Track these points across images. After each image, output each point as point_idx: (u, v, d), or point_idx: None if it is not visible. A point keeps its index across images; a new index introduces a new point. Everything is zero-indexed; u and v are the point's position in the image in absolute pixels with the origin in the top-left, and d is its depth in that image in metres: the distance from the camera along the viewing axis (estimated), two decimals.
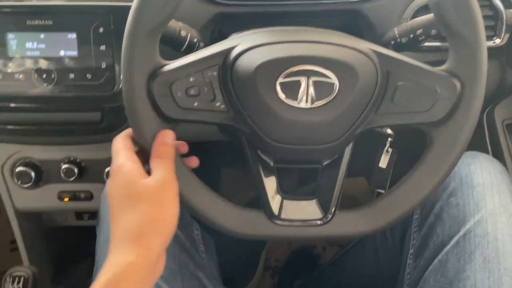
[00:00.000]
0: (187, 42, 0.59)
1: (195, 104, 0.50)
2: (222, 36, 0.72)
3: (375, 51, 0.50)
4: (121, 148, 0.49)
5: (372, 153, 0.70)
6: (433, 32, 0.57)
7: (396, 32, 0.60)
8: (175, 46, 0.59)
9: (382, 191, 0.70)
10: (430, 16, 0.57)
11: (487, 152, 0.80)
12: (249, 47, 0.49)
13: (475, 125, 0.52)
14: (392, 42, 0.61)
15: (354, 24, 0.70)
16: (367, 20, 0.68)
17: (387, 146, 0.67)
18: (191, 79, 0.49)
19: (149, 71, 0.48)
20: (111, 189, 0.46)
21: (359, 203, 0.55)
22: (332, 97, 0.48)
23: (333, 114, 0.48)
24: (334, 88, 0.48)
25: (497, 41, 0.71)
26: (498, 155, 0.78)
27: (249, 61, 0.48)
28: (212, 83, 0.50)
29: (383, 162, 0.70)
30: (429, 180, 0.52)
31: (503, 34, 0.71)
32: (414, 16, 0.69)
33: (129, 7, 0.64)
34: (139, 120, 0.49)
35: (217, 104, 0.50)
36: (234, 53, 0.49)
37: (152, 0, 0.47)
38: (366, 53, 0.49)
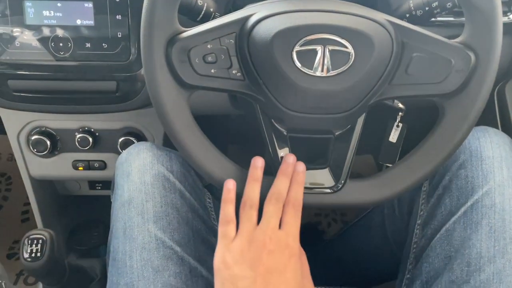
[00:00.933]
0: (203, 11, 0.59)
1: (212, 71, 0.50)
2: (236, 8, 0.72)
3: (391, 22, 0.50)
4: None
5: (380, 129, 0.71)
6: (449, 4, 0.58)
7: (412, 5, 0.60)
8: (191, 15, 0.59)
9: (391, 165, 0.72)
10: None
11: (496, 128, 0.81)
12: (267, 15, 0.50)
13: (487, 99, 0.52)
14: (407, 15, 0.61)
15: None
16: None
17: (397, 121, 0.68)
18: (208, 46, 0.50)
19: (168, 36, 0.49)
20: (285, 271, 0.49)
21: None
22: (348, 66, 0.48)
23: (348, 83, 0.49)
24: (350, 57, 0.48)
25: (511, 17, 0.71)
26: (507, 130, 0.79)
27: (266, 29, 0.49)
28: (229, 51, 0.50)
29: (393, 137, 0.70)
30: (439, 152, 0.53)
31: None
32: None
33: None
34: (157, 85, 0.50)
35: (234, 71, 0.51)
36: (252, 21, 0.50)
37: None
38: (383, 23, 0.50)
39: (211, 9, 0.60)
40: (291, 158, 0.53)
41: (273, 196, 0.51)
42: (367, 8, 0.53)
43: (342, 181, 0.54)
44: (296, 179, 0.53)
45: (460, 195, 0.57)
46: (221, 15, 0.62)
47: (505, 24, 0.64)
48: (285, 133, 0.55)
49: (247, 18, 0.50)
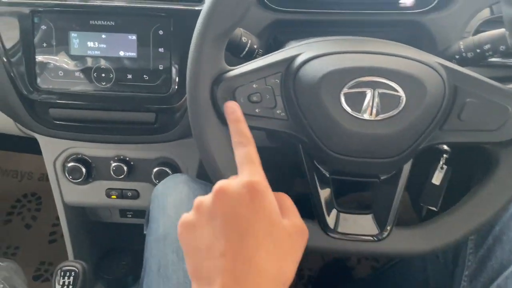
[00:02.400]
0: (247, 48, 0.59)
1: (257, 110, 0.50)
2: (277, 43, 0.72)
3: (443, 65, 0.49)
4: (252, 153, 0.42)
5: (420, 167, 0.68)
6: (502, 48, 0.56)
7: (462, 46, 0.58)
8: (234, 52, 0.59)
9: (434, 208, 0.69)
10: (499, 31, 0.56)
11: None
12: (314, 55, 0.49)
13: None
14: (457, 57, 0.59)
15: (414, 36, 0.68)
16: (428, 32, 0.66)
17: (442, 162, 0.65)
18: (254, 86, 0.49)
19: (214, 75, 0.49)
20: (249, 214, 0.38)
21: (400, 218, 0.53)
22: (398, 110, 0.47)
23: (398, 128, 0.47)
24: (401, 101, 0.47)
25: None
26: None
27: (314, 70, 0.48)
28: (274, 90, 0.49)
29: (437, 179, 0.68)
30: (494, 203, 0.50)
31: None
32: (478, 30, 0.67)
33: (190, 11, 0.65)
34: (201, 124, 0.49)
35: (278, 111, 0.50)
36: (298, 61, 0.49)
37: (222, 6, 0.47)
38: (434, 67, 0.48)
39: (255, 46, 0.60)
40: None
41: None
42: (416, 50, 0.52)
43: (388, 229, 0.52)
44: (231, 119, 0.46)
45: None
46: (264, 51, 0.61)
47: None
48: (327, 174, 0.53)
49: (293, 58, 0.49)
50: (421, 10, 0.69)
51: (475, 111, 0.48)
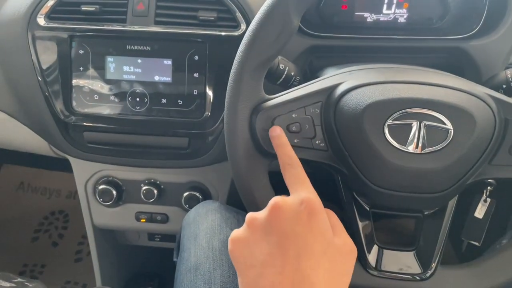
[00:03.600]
0: (284, 75, 0.58)
1: (295, 140, 0.48)
2: (312, 69, 0.71)
3: (493, 97, 0.46)
4: (303, 174, 0.42)
5: (461, 200, 0.65)
6: None
7: (509, 75, 0.56)
8: (272, 79, 0.58)
9: (476, 243, 0.65)
10: None
11: None
12: (356, 85, 0.47)
13: None
14: (504, 86, 0.56)
15: (456, 63, 0.66)
16: (471, 59, 0.64)
17: (485, 195, 0.62)
18: (293, 115, 0.48)
19: (253, 105, 0.47)
20: (306, 232, 0.38)
21: None
22: (445, 144, 0.44)
23: (445, 162, 0.45)
24: (449, 134, 0.44)
25: None
26: None
27: (356, 100, 0.46)
28: (314, 120, 0.48)
29: (479, 212, 0.64)
30: None
31: None
32: None
33: (226, 36, 0.65)
34: (238, 154, 0.48)
35: (317, 141, 0.48)
36: (340, 90, 0.47)
37: (265, 34, 0.46)
38: (484, 98, 0.46)
39: (292, 73, 0.59)
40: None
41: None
42: (463, 79, 0.49)
43: (432, 267, 0.49)
44: (279, 143, 0.46)
45: None
46: (301, 78, 0.60)
47: None
48: (367, 208, 0.51)
49: (334, 87, 0.48)
50: (462, 36, 0.66)
51: None
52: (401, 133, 0.45)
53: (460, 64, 0.66)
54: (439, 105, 0.44)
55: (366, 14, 0.69)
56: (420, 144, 0.45)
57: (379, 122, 0.45)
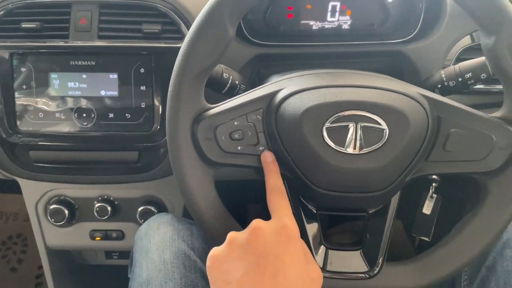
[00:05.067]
0: (228, 84, 0.58)
1: (239, 148, 0.48)
2: (260, 77, 0.72)
3: (425, 96, 0.48)
4: (286, 202, 0.46)
5: (409, 194, 0.67)
6: (483, 76, 0.56)
7: (443, 76, 0.58)
8: (216, 88, 0.58)
9: (426, 238, 0.67)
10: (480, 59, 0.56)
11: None
12: (295, 91, 0.48)
13: None
14: (439, 86, 0.59)
15: (396, 66, 0.68)
16: (410, 62, 0.66)
17: (431, 192, 0.64)
18: (235, 123, 0.48)
19: (194, 114, 0.48)
20: (284, 255, 0.41)
21: (393, 247, 0.51)
22: (382, 143, 0.46)
23: (382, 161, 0.46)
24: (384, 134, 0.46)
25: None
26: None
27: (295, 105, 0.47)
28: (256, 127, 0.49)
29: (427, 208, 0.66)
30: (486, 234, 0.49)
31: None
32: (458, 58, 0.67)
33: (171, 48, 0.65)
34: (182, 164, 0.48)
35: (261, 148, 0.49)
36: (279, 96, 0.48)
37: (201, 45, 0.46)
38: (416, 98, 0.48)
39: (237, 82, 0.59)
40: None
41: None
42: (398, 81, 0.51)
43: (379, 265, 0.50)
44: (269, 169, 0.48)
45: (508, 278, 0.52)
46: (246, 87, 0.61)
47: None
48: (314, 210, 0.52)
49: (274, 93, 0.49)
50: (401, 40, 0.69)
51: (460, 142, 0.48)
52: (339, 135, 0.46)
53: (401, 66, 0.68)
54: (373, 106, 0.46)
55: (311, 22, 0.71)
56: (357, 145, 0.46)
57: (318, 125, 0.46)
